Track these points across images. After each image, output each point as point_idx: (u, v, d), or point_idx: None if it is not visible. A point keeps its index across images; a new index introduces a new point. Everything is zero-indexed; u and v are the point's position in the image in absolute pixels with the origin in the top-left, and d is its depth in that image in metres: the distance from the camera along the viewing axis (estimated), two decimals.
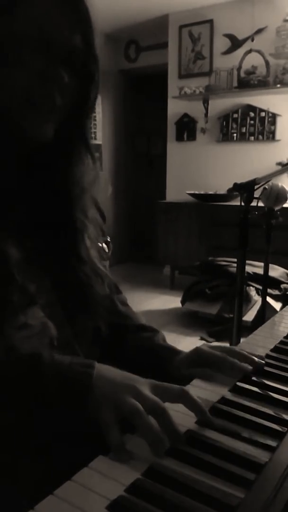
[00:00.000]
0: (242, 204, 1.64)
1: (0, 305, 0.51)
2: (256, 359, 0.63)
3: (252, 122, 3.74)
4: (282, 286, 2.90)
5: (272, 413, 0.51)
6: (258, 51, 3.50)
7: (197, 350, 0.64)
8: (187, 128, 4.08)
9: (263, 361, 0.63)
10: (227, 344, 2.24)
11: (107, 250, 0.70)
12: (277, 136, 3.66)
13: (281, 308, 1.82)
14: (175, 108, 4.09)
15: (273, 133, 3.67)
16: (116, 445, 0.44)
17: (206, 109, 3.91)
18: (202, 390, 0.56)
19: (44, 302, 0.56)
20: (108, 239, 0.72)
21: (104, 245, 0.70)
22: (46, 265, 0.59)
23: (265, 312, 2.10)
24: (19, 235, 0.56)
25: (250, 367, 0.61)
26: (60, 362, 0.50)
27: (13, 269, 0.52)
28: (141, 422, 0.44)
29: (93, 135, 4.38)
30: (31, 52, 0.52)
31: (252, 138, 3.77)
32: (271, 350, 0.71)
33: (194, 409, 0.49)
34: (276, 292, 2.85)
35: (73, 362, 0.50)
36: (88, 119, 0.62)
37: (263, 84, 3.50)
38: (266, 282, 2.10)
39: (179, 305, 3.17)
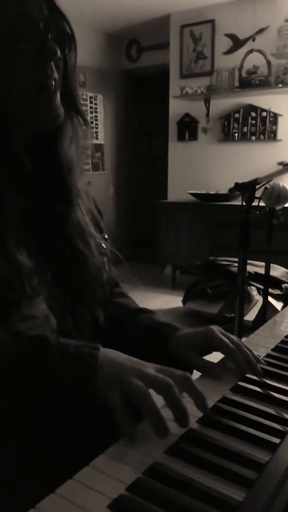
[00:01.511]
0: (244, 203, 1.64)
1: (4, 298, 0.51)
2: (258, 367, 0.62)
3: (253, 122, 3.74)
4: (284, 285, 2.89)
5: (274, 413, 0.51)
6: (260, 51, 3.50)
7: (209, 333, 0.63)
8: (188, 128, 4.08)
9: (261, 371, 0.62)
10: None
11: (105, 247, 0.70)
12: (279, 136, 3.65)
13: (283, 308, 1.81)
14: (176, 108, 4.09)
15: (274, 133, 3.67)
16: (126, 424, 0.44)
17: (208, 109, 3.91)
18: (203, 390, 0.56)
19: (46, 294, 0.56)
20: (106, 236, 0.72)
21: (102, 242, 0.69)
22: (47, 256, 0.59)
23: (267, 312, 2.10)
24: (23, 231, 0.56)
25: (250, 372, 0.61)
26: (66, 344, 0.50)
27: (21, 268, 0.53)
28: (146, 403, 0.44)
29: (94, 135, 4.38)
30: (21, 38, 0.52)
31: (253, 138, 3.76)
32: (272, 350, 0.71)
33: (194, 396, 0.49)
34: (278, 292, 2.85)
35: (79, 345, 0.50)
36: (74, 83, 0.61)
37: (265, 84, 3.49)
38: (268, 282, 2.10)
39: (181, 304, 3.17)
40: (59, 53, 0.54)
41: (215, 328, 0.64)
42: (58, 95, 0.56)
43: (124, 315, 0.74)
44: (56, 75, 0.55)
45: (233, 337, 0.64)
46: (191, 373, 0.62)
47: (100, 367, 0.47)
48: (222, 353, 0.61)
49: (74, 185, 0.63)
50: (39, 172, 0.60)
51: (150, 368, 0.48)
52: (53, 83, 0.55)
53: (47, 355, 0.48)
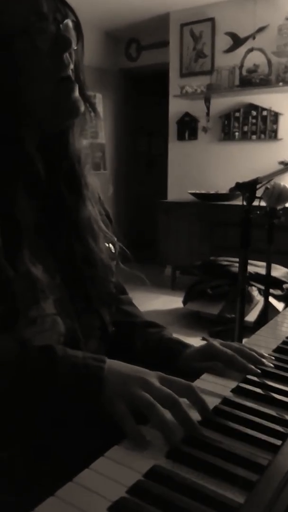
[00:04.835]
0: (244, 203, 1.63)
1: (14, 301, 0.51)
2: (265, 361, 0.63)
3: (254, 121, 3.73)
4: (285, 286, 2.89)
5: (275, 414, 0.51)
6: (260, 50, 3.50)
7: (209, 345, 0.64)
8: (188, 127, 4.07)
9: (272, 365, 0.63)
10: None
11: (113, 251, 0.70)
12: (279, 135, 3.65)
13: (284, 308, 1.81)
14: (176, 107, 4.09)
15: (275, 132, 3.66)
16: (133, 434, 0.44)
17: (208, 108, 3.91)
18: (205, 392, 0.56)
19: (55, 297, 0.56)
20: (115, 239, 0.72)
21: (111, 246, 0.69)
22: (57, 254, 0.59)
23: (268, 312, 2.09)
24: (35, 236, 0.56)
25: (258, 371, 0.61)
26: (73, 355, 0.50)
27: (33, 276, 0.52)
28: (154, 413, 0.45)
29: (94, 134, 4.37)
30: (37, 34, 0.52)
31: (254, 137, 3.76)
32: (274, 351, 0.71)
33: (198, 405, 0.49)
34: (279, 292, 2.85)
35: (86, 356, 0.50)
36: (83, 74, 0.61)
37: (265, 82, 3.49)
38: (268, 282, 2.10)
39: (181, 305, 3.16)
40: (73, 44, 0.54)
41: (215, 342, 0.65)
42: (77, 87, 0.57)
43: (132, 327, 0.74)
44: (72, 65, 0.56)
45: (234, 344, 0.65)
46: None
47: (106, 379, 0.48)
48: (222, 362, 0.62)
49: (84, 178, 0.63)
50: (49, 166, 0.60)
51: (155, 378, 0.49)
52: (71, 73, 0.55)
53: (54, 368, 0.48)
